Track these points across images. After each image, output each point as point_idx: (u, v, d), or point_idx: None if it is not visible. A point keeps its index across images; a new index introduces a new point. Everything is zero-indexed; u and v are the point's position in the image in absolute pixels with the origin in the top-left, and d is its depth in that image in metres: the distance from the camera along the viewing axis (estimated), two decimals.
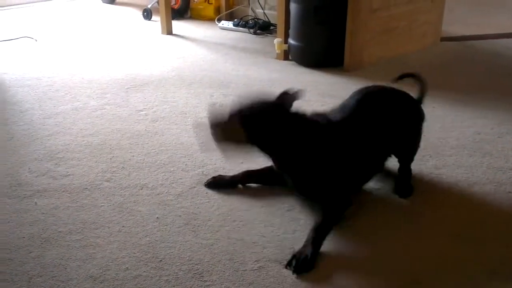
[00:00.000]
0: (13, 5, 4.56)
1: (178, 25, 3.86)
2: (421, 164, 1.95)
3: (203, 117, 2.33)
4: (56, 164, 1.96)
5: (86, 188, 1.80)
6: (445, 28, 3.49)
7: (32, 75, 2.89)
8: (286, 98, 1.53)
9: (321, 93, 2.57)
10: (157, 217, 1.64)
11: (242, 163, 1.93)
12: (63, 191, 1.78)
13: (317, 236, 1.47)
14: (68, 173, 1.89)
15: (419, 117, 1.81)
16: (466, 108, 2.43)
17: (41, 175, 1.88)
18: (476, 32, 3.69)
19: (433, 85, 2.70)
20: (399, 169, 1.83)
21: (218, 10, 4.12)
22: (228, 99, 2.54)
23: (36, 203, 1.71)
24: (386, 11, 3.01)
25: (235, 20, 3.86)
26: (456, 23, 3.85)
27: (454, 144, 2.11)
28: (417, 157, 2.00)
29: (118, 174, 1.89)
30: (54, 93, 2.64)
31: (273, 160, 1.63)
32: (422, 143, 2.10)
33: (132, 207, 1.69)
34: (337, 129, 1.61)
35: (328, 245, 1.49)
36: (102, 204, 1.71)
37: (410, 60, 3.10)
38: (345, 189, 1.63)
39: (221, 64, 3.06)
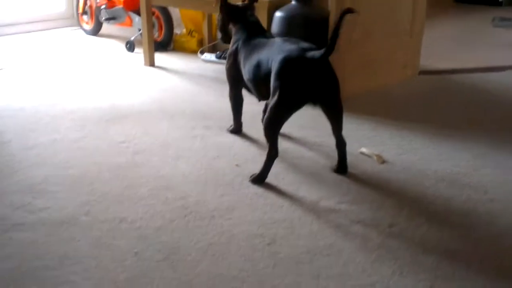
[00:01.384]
0: None
1: (161, 57, 3.88)
2: (400, 195, 1.97)
3: (184, 149, 2.34)
4: (34, 197, 1.93)
5: (64, 222, 1.77)
6: (423, 61, 3.57)
7: (13, 106, 2.87)
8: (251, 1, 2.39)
9: (302, 126, 2.59)
10: (136, 252, 1.62)
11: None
12: (41, 224, 1.75)
13: None
14: (47, 206, 1.87)
15: (280, 69, 1.96)
16: (444, 141, 2.47)
17: (18, 208, 1.85)
18: (453, 66, 3.77)
19: (411, 117, 2.76)
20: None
21: (201, 43, 4.16)
22: (210, 131, 2.55)
23: (11, 237, 1.68)
24: (366, 45, 3.08)
25: (218, 52, 3.89)
26: (434, 57, 3.94)
27: (433, 176, 2.13)
28: (395, 189, 2.02)
29: (96, 208, 1.87)
30: (35, 124, 2.62)
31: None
32: (401, 175, 2.13)
33: (110, 241, 1.67)
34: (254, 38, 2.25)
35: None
36: (80, 239, 1.68)
37: (389, 93, 3.15)
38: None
39: (203, 96, 3.07)
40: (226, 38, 2.44)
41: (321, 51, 1.91)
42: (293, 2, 2.91)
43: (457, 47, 4.39)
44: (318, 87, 1.97)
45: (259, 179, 2.06)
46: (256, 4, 2.44)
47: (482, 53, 4.18)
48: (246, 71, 2.22)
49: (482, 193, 1.99)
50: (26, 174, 2.10)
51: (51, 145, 2.38)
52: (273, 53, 2.05)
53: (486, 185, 2.06)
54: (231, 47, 2.34)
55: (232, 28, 2.36)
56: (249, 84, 2.24)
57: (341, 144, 2.14)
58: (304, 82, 1.95)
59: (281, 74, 1.96)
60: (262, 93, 2.16)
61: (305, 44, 2.02)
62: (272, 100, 1.99)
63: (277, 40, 2.14)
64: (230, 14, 2.36)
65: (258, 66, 2.12)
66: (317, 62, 1.93)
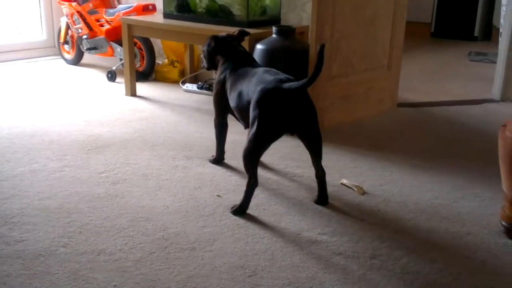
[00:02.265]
0: None
1: (142, 87, 3.89)
2: (381, 227, 1.98)
3: (165, 179, 2.33)
4: (10, 229, 1.89)
5: (41, 254, 1.73)
6: (401, 94, 3.64)
7: None
8: (241, 33, 2.49)
9: (283, 156, 2.61)
10: (114, 285, 1.58)
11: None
12: (16, 257, 1.71)
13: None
14: (23, 239, 1.83)
15: (258, 100, 2.01)
16: (423, 173, 2.50)
17: None
18: (431, 99, 3.85)
19: (391, 149, 2.79)
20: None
21: (182, 73, 4.18)
22: (191, 162, 2.54)
23: None
24: (345, 78, 3.13)
25: (199, 83, 3.91)
26: (412, 89, 4.02)
27: (413, 208, 2.15)
28: (376, 221, 2.03)
29: (74, 239, 1.83)
30: (12, 154, 2.58)
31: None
32: (381, 207, 2.14)
33: (88, 274, 1.64)
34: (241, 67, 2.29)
35: None
36: (57, 272, 1.64)
37: (368, 125, 3.19)
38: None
39: (185, 126, 3.07)
40: (212, 67, 2.49)
41: (299, 82, 1.96)
42: (274, 35, 2.96)
43: (434, 80, 4.49)
44: (295, 117, 2.01)
45: (240, 210, 2.05)
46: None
47: (459, 86, 4.28)
48: (231, 99, 2.26)
49: (460, 226, 2.01)
50: (1, 207, 2.06)
51: (28, 176, 2.34)
52: (253, 84, 2.09)
53: (464, 218, 2.08)
54: (219, 75, 2.37)
55: (220, 58, 2.40)
56: (235, 112, 2.27)
57: (320, 174, 2.15)
58: (281, 112, 1.99)
59: (259, 105, 2.00)
60: (246, 121, 2.18)
61: (283, 76, 2.06)
62: (251, 131, 2.02)
63: (260, 70, 2.18)
64: (219, 47, 2.39)
65: (240, 95, 2.17)
66: (293, 93, 1.97)
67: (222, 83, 2.34)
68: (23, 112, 3.27)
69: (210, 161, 2.55)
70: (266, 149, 2.06)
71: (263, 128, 2.00)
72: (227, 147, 2.53)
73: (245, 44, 3.00)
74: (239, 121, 2.33)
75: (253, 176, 2.04)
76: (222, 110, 2.41)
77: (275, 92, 1.99)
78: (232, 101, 2.25)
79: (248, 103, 2.09)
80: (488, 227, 2.00)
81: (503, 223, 1.96)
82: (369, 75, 3.28)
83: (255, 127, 2.00)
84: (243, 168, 2.07)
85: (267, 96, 2.00)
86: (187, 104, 3.55)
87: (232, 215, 2.04)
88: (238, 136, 2.66)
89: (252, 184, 2.05)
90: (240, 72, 2.26)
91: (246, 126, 2.24)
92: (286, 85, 1.98)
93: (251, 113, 2.03)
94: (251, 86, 2.10)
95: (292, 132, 2.08)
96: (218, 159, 2.54)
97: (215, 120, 2.46)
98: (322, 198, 2.16)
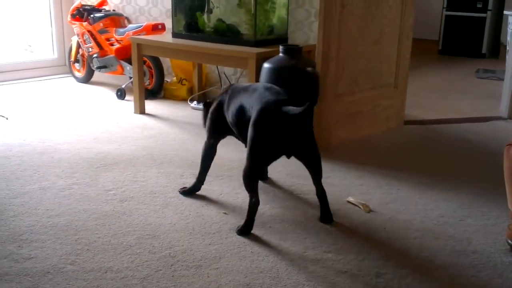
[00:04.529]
0: None
1: (151, 105, 3.93)
2: (386, 245, 1.98)
3: (172, 197, 2.35)
4: (19, 246, 1.91)
5: (49, 272, 1.75)
6: (408, 111, 3.65)
7: (0, 154, 2.87)
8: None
9: (290, 174, 2.62)
10: None
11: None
12: (25, 275, 1.73)
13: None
14: (31, 256, 1.85)
15: (256, 120, 2.01)
16: (430, 191, 2.50)
17: (2, 258, 1.83)
18: (438, 116, 3.86)
19: (397, 167, 2.80)
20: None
21: (190, 91, 4.22)
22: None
23: None
24: (351, 96, 3.15)
25: (207, 100, 3.95)
26: (419, 107, 4.03)
27: (419, 226, 2.15)
28: (381, 239, 2.03)
29: (82, 257, 1.85)
30: (22, 172, 2.62)
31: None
32: (387, 225, 2.14)
33: None
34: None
35: None
36: None
37: (374, 142, 3.20)
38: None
39: (192, 144, 3.10)
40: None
41: (298, 109, 1.94)
42: (281, 54, 2.99)
43: (441, 98, 4.49)
44: (291, 141, 2.03)
45: (245, 229, 2.06)
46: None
47: (466, 103, 4.29)
48: (229, 113, 2.22)
49: (466, 245, 2.01)
50: (10, 224, 2.09)
51: (38, 194, 2.37)
52: (254, 99, 2.09)
53: (470, 236, 2.07)
54: (219, 96, 2.35)
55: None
56: (233, 127, 2.24)
57: (320, 193, 2.17)
58: (277, 136, 2.00)
59: (255, 126, 2.02)
60: (245, 137, 2.16)
61: (284, 96, 2.05)
62: (247, 150, 2.05)
63: (260, 86, 2.16)
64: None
65: (240, 109, 2.15)
66: (291, 118, 1.97)
67: (219, 103, 2.29)
68: (33, 130, 3.32)
69: (180, 192, 2.40)
70: (263, 168, 2.06)
71: (258, 150, 2.03)
72: (234, 164, 2.55)
73: (251, 63, 3.05)
74: (238, 139, 2.30)
75: (253, 196, 2.05)
76: (215, 131, 2.32)
77: (273, 115, 1.99)
78: (230, 117, 2.21)
79: (249, 118, 2.08)
80: (494, 245, 2.00)
81: (509, 241, 1.96)
82: (376, 93, 3.30)
83: (250, 148, 2.03)
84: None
85: (264, 118, 2.01)
86: (195, 122, 3.58)
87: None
88: (244, 154, 2.68)
89: (254, 204, 2.05)
90: (239, 89, 2.24)
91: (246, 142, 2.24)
92: (285, 109, 1.98)
93: (249, 132, 2.05)
94: (251, 101, 2.09)
95: (288, 155, 2.09)
96: (195, 188, 2.39)
97: (205, 142, 2.35)
98: (326, 216, 2.17)
